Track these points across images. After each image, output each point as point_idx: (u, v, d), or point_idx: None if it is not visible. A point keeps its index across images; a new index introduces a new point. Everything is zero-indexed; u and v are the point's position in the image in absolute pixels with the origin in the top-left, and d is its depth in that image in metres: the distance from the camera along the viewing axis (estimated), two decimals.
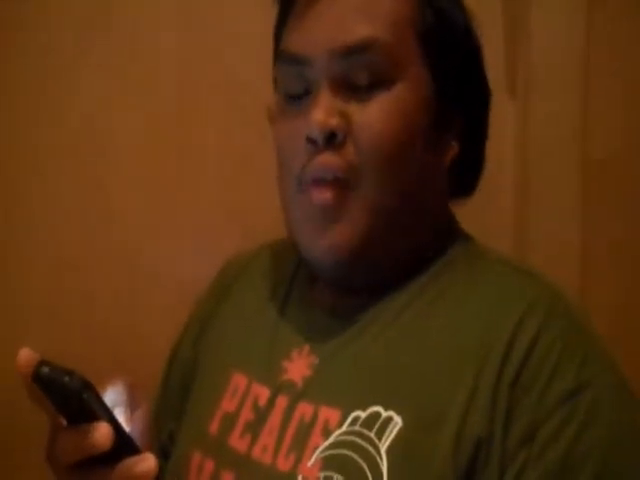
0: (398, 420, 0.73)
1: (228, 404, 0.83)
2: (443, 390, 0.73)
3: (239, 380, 0.84)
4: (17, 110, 1.28)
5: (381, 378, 0.76)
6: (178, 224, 1.28)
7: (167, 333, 0.97)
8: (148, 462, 0.66)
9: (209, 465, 0.81)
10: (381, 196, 0.76)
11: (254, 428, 0.80)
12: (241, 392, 0.83)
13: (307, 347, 0.81)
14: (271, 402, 0.80)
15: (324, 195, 0.76)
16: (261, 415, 0.80)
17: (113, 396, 0.70)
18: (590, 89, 1.19)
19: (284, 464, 0.76)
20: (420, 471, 0.71)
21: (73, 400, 0.65)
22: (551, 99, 1.20)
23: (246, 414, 0.81)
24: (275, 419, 0.79)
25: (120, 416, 0.69)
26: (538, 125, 1.20)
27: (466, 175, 0.84)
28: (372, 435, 0.73)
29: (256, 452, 0.78)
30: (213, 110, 1.27)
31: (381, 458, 0.72)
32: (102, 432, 0.64)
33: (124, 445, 0.68)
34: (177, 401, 0.92)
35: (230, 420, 0.82)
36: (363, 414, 0.74)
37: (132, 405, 0.71)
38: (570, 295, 0.78)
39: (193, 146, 1.28)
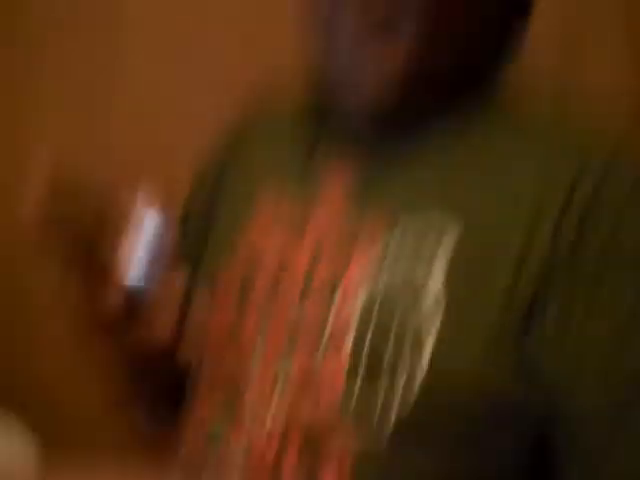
0: (454, 230, 0.66)
1: (257, 229, 0.75)
2: (500, 227, 0.65)
3: (269, 202, 0.76)
4: None
5: (435, 195, 0.68)
6: (192, 59, 1.20)
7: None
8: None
9: (238, 278, 0.74)
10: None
11: (290, 243, 0.72)
12: (272, 213, 0.75)
13: (347, 164, 0.72)
14: (305, 219, 0.72)
15: (371, 6, 0.66)
16: (296, 231, 0.73)
17: (145, 193, 0.66)
18: None
19: (325, 273, 0.69)
20: (481, 284, 0.64)
21: None
22: None
23: (280, 230, 0.73)
24: (313, 230, 0.71)
25: (153, 214, 0.64)
26: None
27: None
28: (425, 245, 0.66)
29: (293, 259, 0.71)
30: None
31: (433, 271, 0.65)
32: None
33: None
34: (195, 251, 0.83)
35: (261, 243, 0.74)
36: (415, 221, 0.67)
37: (167, 207, 0.66)
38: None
39: None
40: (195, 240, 0.84)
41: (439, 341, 0.64)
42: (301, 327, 0.69)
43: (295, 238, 0.72)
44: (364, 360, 0.66)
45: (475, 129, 0.70)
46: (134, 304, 0.64)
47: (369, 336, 0.66)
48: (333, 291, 0.68)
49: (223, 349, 0.74)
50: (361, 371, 0.65)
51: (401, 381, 0.64)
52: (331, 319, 0.68)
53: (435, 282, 0.65)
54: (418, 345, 0.65)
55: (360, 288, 0.67)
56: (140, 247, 0.64)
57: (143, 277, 0.65)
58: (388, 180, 0.70)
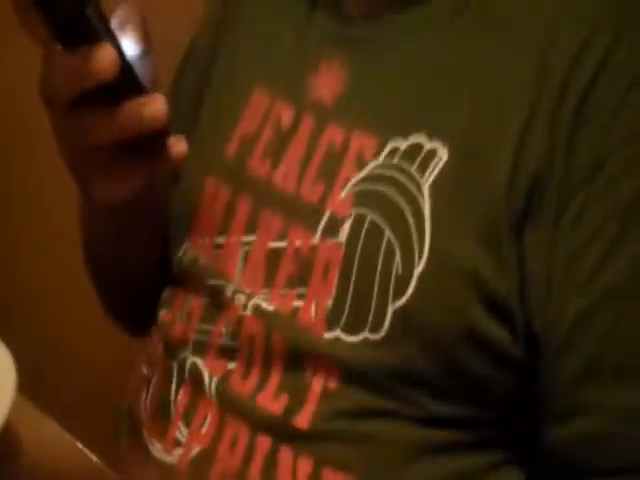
0: (444, 153, 0.63)
1: (248, 124, 0.73)
2: (496, 120, 0.63)
3: (260, 97, 0.73)
4: None
5: (426, 98, 0.65)
6: None
7: None
8: (159, 103, 0.56)
9: (225, 191, 0.72)
10: None
11: (276, 152, 0.70)
12: (263, 110, 0.72)
13: (337, 59, 0.69)
14: (295, 123, 0.70)
15: None
16: (284, 137, 0.70)
17: (124, 13, 0.60)
18: None
19: (310, 194, 0.67)
20: (468, 212, 0.62)
21: (73, 18, 0.54)
22: None
23: (267, 136, 0.71)
24: (300, 143, 0.69)
25: (131, 35, 0.59)
26: None
27: None
28: (413, 171, 0.64)
29: (277, 178, 0.69)
30: None
31: (423, 197, 0.63)
32: (106, 55, 0.54)
33: (130, 81, 0.57)
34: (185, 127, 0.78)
35: (249, 142, 0.72)
36: (403, 144, 0.64)
37: (145, 29, 0.61)
38: None
39: None
40: (186, 115, 0.80)
41: (435, 234, 0.62)
42: (284, 254, 0.67)
43: (281, 149, 0.70)
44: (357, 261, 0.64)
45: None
46: (128, 72, 0.56)
47: (360, 246, 0.64)
48: (318, 213, 0.66)
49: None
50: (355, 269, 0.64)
51: (398, 270, 0.63)
52: (318, 238, 0.66)
53: (426, 190, 0.63)
54: (418, 230, 0.63)
55: (348, 210, 0.65)
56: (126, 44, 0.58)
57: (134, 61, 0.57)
58: (375, 90, 0.67)
